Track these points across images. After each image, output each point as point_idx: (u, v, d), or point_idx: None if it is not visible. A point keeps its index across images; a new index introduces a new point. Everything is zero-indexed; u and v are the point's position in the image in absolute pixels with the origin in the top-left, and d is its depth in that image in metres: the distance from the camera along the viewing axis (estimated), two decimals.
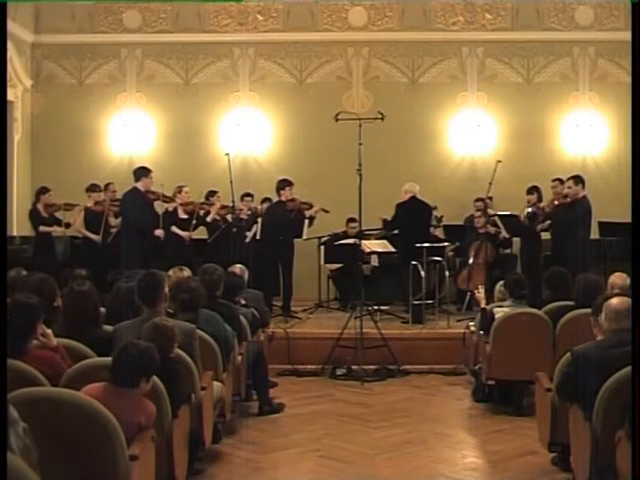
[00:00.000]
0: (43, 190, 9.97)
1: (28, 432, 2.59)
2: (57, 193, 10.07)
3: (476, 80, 11.86)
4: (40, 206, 9.88)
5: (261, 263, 9.54)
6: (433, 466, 5.40)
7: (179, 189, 9.85)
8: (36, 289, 4.92)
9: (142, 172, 9.37)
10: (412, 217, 9.46)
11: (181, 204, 9.73)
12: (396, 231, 9.70)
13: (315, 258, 10.55)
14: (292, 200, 9.87)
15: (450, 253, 10.68)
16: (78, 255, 10.36)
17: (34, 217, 9.91)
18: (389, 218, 9.71)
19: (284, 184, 9.91)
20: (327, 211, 10.14)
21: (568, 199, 9.31)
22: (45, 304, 4.44)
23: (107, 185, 10.28)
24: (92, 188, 10.11)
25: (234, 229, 9.70)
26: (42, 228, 9.84)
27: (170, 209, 9.67)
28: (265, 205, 10.45)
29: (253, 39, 11.87)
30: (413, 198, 9.57)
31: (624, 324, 4.11)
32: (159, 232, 9.33)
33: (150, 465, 3.76)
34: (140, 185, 9.30)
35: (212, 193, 10.18)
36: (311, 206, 10.03)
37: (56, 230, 9.97)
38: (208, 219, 9.89)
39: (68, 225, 10.04)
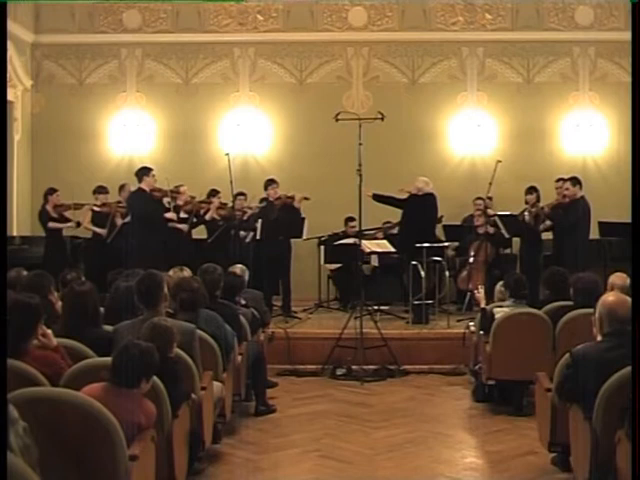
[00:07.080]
0: (50, 191, 9.94)
1: (28, 432, 2.58)
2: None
3: (476, 80, 11.85)
4: (49, 207, 9.87)
5: (261, 263, 9.53)
6: (433, 466, 5.40)
7: (176, 189, 9.82)
8: (29, 284, 4.92)
9: (143, 172, 9.28)
10: (424, 215, 9.34)
11: (180, 205, 9.72)
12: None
13: (315, 258, 10.54)
14: (278, 198, 9.96)
15: (451, 252, 10.66)
16: (78, 255, 10.38)
17: (43, 218, 9.89)
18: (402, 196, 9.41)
19: (267, 184, 10.03)
20: (308, 198, 10.07)
21: (567, 199, 9.41)
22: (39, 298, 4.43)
23: (122, 186, 10.25)
24: (99, 190, 10.10)
25: (233, 230, 9.70)
26: (51, 224, 9.78)
27: (168, 206, 9.60)
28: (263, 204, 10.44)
29: (253, 39, 11.86)
30: (430, 195, 9.37)
31: (623, 324, 4.10)
32: (170, 215, 9.32)
33: (150, 465, 3.76)
34: (144, 185, 9.21)
35: (214, 192, 10.11)
36: (294, 198, 10.03)
37: (69, 226, 9.93)
38: (207, 217, 9.89)
39: (79, 224, 10.03)
